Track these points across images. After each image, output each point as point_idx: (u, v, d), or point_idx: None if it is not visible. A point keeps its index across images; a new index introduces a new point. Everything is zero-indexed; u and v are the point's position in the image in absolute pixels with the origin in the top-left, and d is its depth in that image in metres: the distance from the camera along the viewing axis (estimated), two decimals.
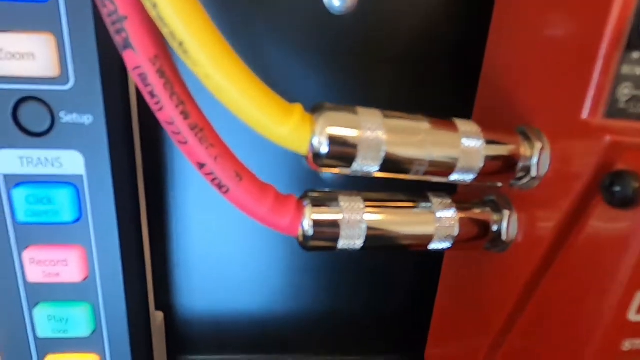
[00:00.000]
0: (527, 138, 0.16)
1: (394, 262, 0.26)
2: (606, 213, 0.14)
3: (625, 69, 0.14)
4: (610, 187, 0.13)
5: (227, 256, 0.25)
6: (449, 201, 0.17)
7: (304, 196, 0.16)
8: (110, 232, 0.19)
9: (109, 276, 0.19)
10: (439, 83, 0.23)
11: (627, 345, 0.15)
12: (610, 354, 0.15)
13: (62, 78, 0.17)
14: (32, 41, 0.16)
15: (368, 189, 0.17)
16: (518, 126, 0.17)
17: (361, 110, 0.15)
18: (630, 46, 0.14)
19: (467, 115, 0.22)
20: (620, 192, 0.13)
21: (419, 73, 0.23)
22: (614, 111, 0.14)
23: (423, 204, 0.17)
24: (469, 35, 0.22)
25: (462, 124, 0.16)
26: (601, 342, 0.14)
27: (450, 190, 0.19)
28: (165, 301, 0.26)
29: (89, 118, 0.17)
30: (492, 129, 0.16)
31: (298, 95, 0.23)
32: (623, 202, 0.13)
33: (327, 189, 0.17)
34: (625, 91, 0.14)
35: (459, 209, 0.17)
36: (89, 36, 0.16)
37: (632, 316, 0.14)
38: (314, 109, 0.15)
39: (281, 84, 0.22)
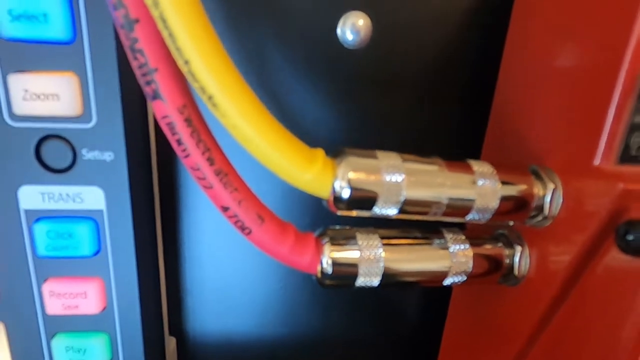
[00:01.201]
0: (540, 178, 0.17)
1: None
2: (619, 257, 0.15)
3: (638, 118, 0.14)
4: (625, 235, 0.13)
5: (237, 281, 0.26)
6: (463, 237, 0.18)
7: (322, 234, 0.17)
8: (129, 264, 0.19)
9: (126, 306, 0.20)
10: (450, 118, 0.23)
11: None
12: None
13: (85, 117, 0.17)
14: (56, 82, 0.16)
15: (382, 223, 0.18)
16: (530, 165, 0.17)
17: (381, 154, 0.15)
18: None
19: (477, 149, 0.23)
20: (635, 241, 0.13)
21: (431, 108, 0.23)
22: (626, 158, 0.15)
23: (437, 240, 0.17)
24: (481, 71, 0.23)
25: (476, 165, 0.16)
26: None
27: (460, 226, 0.19)
28: (178, 326, 0.26)
29: (110, 155, 0.17)
30: (505, 168, 0.17)
31: (313, 130, 0.23)
32: (637, 251, 0.13)
33: (344, 227, 0.17)
34: (637, 139, 0.15)
35: (472, 244, 0.18)
36: (112, 77, 0.17)
37: None
38: (335, 154, 0.15)
39: (297, 118, 0.23)
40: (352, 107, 0.22)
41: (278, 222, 0.16)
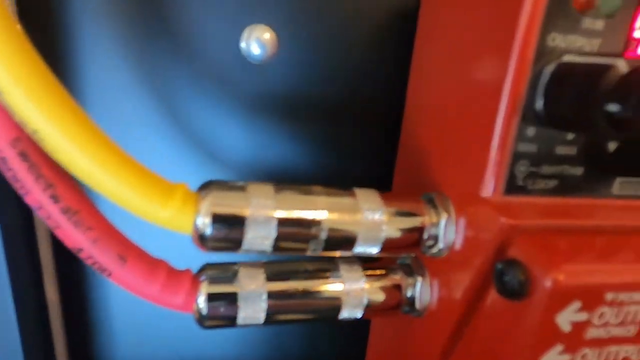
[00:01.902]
0: (434, 206, 0.16)
1: None
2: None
3: (522, 147, 0.14)
4: (501, 276, 0.13)
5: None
6: (359, 269, 0.17)
7: (200, 270, 0.15)
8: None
9: None
10: (362, 137, 0.22)
11: None
12: None
13: None
14: None
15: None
16: (427, 193, 0.16)
17: (251, 186, 0.14)
18: (525, 123, 0.13)
19: (390, 171, 0.22)
20: (509, 283, 0.12)
21: (341, 126, 0.22)
22: (512, 189, 0.14)
23: (330, 274, 0.16)
24: (392, 89, 0.22)
25: (362, 194, 0.15)
26: None
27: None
28: None
29: None
30: (396, 197, 0.16)
31: (218, 147, 0.22)
32: (511, 294, 0.12)
33: (227, 262, 0.16)
34: (522, 168, 0.14)
35: (369, 276, 0.17)
36: None
37: None
38: (200, 187, 0.14)
39: (201, 134, 0.22)
40: (260, 124, 0.21)
41: (146, 259, 0.14)
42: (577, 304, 0.12)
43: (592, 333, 0.12)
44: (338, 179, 0.22)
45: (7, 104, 0.11)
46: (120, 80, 0.21)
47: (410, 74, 0.19)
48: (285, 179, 0.22)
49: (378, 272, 0.17)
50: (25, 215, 0.19)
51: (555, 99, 0.12)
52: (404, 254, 0.17)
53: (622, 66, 0.11)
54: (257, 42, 0.20)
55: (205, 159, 0.22)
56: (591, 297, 0.12)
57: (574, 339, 0.12)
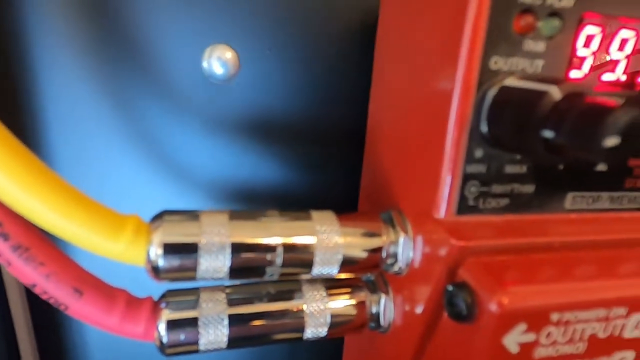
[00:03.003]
0: (393, 225, 0.16)
1: None
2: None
3: (471, 168, 0.14)
4: (450, 298, 0.13)
5: None
6: (322, 287, 0.17)
7: (162, 297, 0.15)
8: None
9: None
10: (327, 156, 0.23)
11: None
12: None
13: None
14: None
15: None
16: (386, 211, 0.17)
17: (205, 215, 0.14)
18: (473, 144, 0.13)
19: (356, 191, 0.22)
20: (457, 306, 0.12)
21: (307, 144, 0.22)
22: (464, 209, 0.14)
23: (293, 295, 0.16)
24: (355, 108, 0.22)
25: (318, 216, 0.15)
26: None
27: None
28: None
29: None
30: (354, 217, 0.16)
31: (186, 167, 0.22)
32: (458, 317, 0.12)
33: (188, 288, 0.16)
34: (472, 189, 0.14)
35: (333, 294, 0.17)
36: None
37: None
38: (152, 218, 0.14)
39: (169, 155, 0.22)
40: (226, 144, 0.21)
41: (104, 291, 0.14)
42: (522, 326, 0.12)
43: (540, 352, 0.12)
44: (306, 198, 0.23)
45: None
46: (84, 103, 0.21)
47: (371, 92, 0.20)
48: (254, 198, 0.22)
49: (342, 290, 0.17)
50: None
51: (497, 122, 0.12)
52: (366, 273, 0.17)
53: (555, 93, 0.11)
54: (219, 61, 0.20)
55: (174, 180, 0.22)
56: (536, 319, 0.12)
57: (523, 359, 0.12)
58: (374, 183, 0.19)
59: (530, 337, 0.12)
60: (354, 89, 0.21)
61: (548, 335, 0.12)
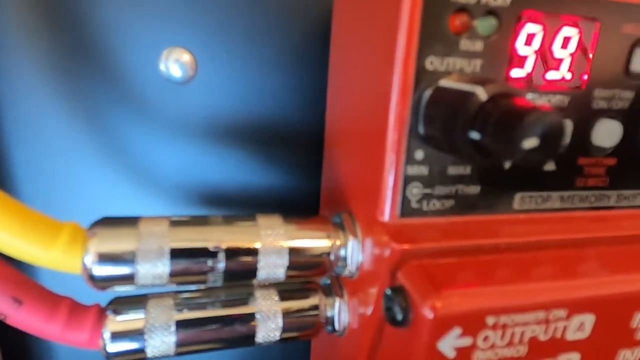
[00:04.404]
0: (343, 228, 0.16)
1: None
2: None
3: (412, 169, 0.13)
4: (387, 303, 0.12)
5: None
6: (274, 292, 0.17)
7: (109, 304, 0.15)
8: None
9: None
10: (287, 158, 0.22)
11: None
12: None
13: None
14: None
15: None
16: (337, 214, 0.16)
17: (144, 221, 0.14)
18: (413, 146, 0.13)
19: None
20: (393, 311, 0.12)
21: (267, 145, 0.22)
22: (408, 211, 0.14)
23: (244, 301, 0.16)
24: (314, 107, 0.21)
25: (264, 221, 0.15)
26: None
27: None
28: None
29: None
30: (303, 221, 0.16)
31: (148, 168, 0.22)
32: (394, 321, 0.12)
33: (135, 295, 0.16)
34: (414, 190, 0.14)
35: (285, 298, 0.17)
36: None
37: None
38: (90, 226, 0.14)
39: (130, 156, 0.22)
40: (187, 145, 0.21)
41: (46, 298, 0.14)
42: (457, 330, 0.12)
43: (479, 356, 0.12)
44: (270, 200, 0.22)
45: None
46: (43, 106, 0.20)
47: (327, 95, 0.19)
48: (218, 200, 0.22)
49: (296, 294, 0.17)
50: None
51: (431, 123, 0.12)
52: (316, 277, 0.17)
53: (481, 93, 0.11)
54: (177, 63, 0.20)
55: (137, 183, 0.22)
56: (471, 323, 0.12)
57: None
58: (331, 186, 0.19)
59: (466, 341, 0.12)
60: (313, 91, 0.21)
61: (485, 339, 0.12)
